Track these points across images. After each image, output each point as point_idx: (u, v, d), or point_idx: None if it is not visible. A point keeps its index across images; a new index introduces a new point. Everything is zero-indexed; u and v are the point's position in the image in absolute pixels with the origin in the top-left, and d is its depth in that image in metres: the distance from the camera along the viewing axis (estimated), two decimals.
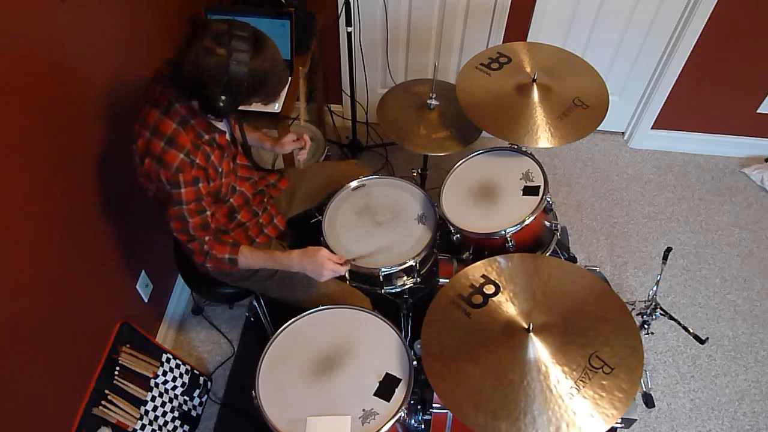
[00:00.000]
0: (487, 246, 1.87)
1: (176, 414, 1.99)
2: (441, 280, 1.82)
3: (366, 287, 1.86)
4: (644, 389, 2.24)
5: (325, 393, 1.50)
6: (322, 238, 1.87)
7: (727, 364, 2.34)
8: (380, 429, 1.43)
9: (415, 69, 2.89)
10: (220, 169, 1.59)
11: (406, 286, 1.87)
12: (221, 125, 1.61)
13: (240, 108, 1.53)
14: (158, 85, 1.51)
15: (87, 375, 1.74)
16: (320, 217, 1.93)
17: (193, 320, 2.41)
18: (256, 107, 2.08)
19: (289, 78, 1.53)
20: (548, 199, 1.88)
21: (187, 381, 2.06)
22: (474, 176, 1.98)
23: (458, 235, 1.87)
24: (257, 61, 1.38)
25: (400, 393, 1.50)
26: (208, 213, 1.58)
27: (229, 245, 1.63)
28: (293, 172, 2.06)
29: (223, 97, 1.38)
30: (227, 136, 1.64)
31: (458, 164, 2.02)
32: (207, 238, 1.60)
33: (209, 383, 2.21)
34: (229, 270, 1.66)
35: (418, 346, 1.50)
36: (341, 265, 1.64)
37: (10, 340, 1.43)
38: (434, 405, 1.59)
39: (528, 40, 2.69)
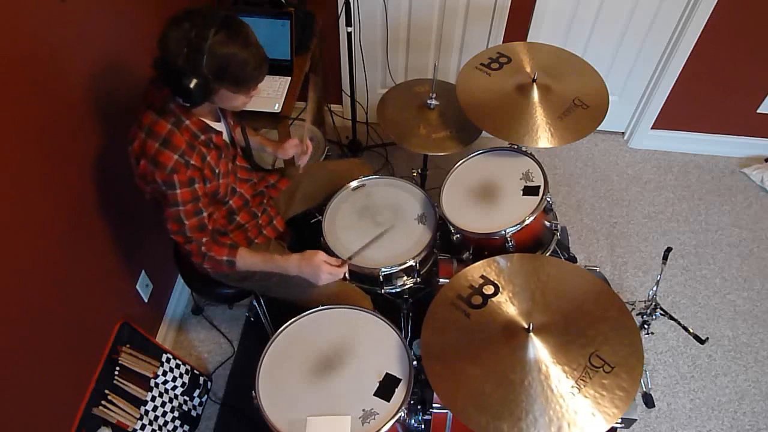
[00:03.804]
0: (487, 246, 1.87)
1: (176, 414, 1.99)
2: (441, 280, 1.82)
3: (366, 287, 1.85)
4: (644, 389, 2.24)
5: (325, 393, 1.50)
6: (322, 238, 1.87)
7: (727, 364, 2.34)
8: (380, 429, 1.42)
9: (415, 69, 2.89)
10: (217, 170, 1.58)
11: (406, 286, 1.87)
12: (218, 126, 1.60)
13: (236, 109, 1.53)
14: (154, 86, 1.50)
15: (87, 375, 1.74)
16: (320, 217, 1.93)
17: (193, 320, 2.41)
18: (255, 106, 2.09)
19: (266, 72, 1.47)
20: (548, 199, 1.88)
21: (187, 381, 2.06)
22: (474, 176, 1.98)
23: (458, 235, 1.87)
24: (221, 38, 1.33)
25: (400, 393, 1.49)
26: (205, 215, 1.57)
27: (227, 247, 1.63)
28: (293, 171, 2.06)
29: (193, 80, 1.34)
30: (225, 137, 1.64)
31: (458, 164, 2.02)
32: (204, 239, 1.60)
33: (209, 383, 2.21)
34: (228, 272, 1.66)
35: (418, 345, 1.50)
36: (339, 267, 1.64)
37: (10, 340, 1.43)
38: (434, 405, 1.59)
39: (528, 40, 2.69)
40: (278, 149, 1.93)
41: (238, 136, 1.80)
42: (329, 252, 1.82)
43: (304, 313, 1.67)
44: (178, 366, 2.05)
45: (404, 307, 2.02)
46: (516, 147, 2.03)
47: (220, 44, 1.34)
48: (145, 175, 1.47)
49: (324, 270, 1.62)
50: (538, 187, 1.88)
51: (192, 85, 1.35)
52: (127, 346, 1.89)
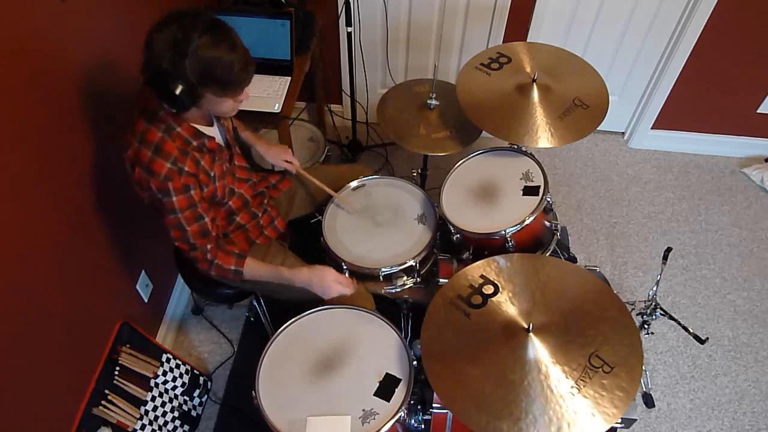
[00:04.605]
0: (487, 246, 1.87)
1: (176, 414, 1.99)
2: (441, 280, 1.82)
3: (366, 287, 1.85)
4: (644, 389, 2.24)
5: (325, 393, 1.50)
6: (322, 238, 1.87)
7: (727, 364, 2.34)
8: (380, 429, 1.42)
9: (415, 69, 2.89)
10: (212, 174, 1.58)
11: (406, 286, 1.87)
12: (210, 130, 1.58)
13: (224, 115, 1.52)
14: (147, 91, 1.49)
15: (87, 375, 1.74)
16: (320, 217, 1.93)
17: (193, 320, 2.41)
18: (255, 106, 2.09)
19: (252, 75, 1.45)
20: (548, 199, 1.88)
21: (187, 381, 2.06)
22: (474, 176, 1.98)
23: (458, 235, 1.87)
24: (206, 41, 1.31)
25: (400, 393, 1.49)
26: (207, 219, 1.57)
27: (234, 256, 1.63)
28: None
29: (179, 85, 1.33)
30: (219, 141, 1.62)
31: (458, 164, 2.02)
32: (209, 246, 1.59)
33: (209, 383, 2.21)
34: (233, 279, 1.67)
35: (418, 345, 1.50)
36: (348, 285, 1.67)
37: (10, 341, 1.43)
38: (434, 405, 1.59)
39: (528, 40, 2.69)
40: (267, 153, 1.93)
41: (233, 136, 1.79)
42: (330, 253, 1.82)
43: (304, 313, 1.67)
44: (178, 366, 2.05)
45: (404, 307, 2.02)
46: (516, 147, 2.03)
47: (205, 48, 1.32)
48: (141, 182, 1.47)
49: (334, 288, 1.64)
50: (538, 187, 1.88)
51: (177, 91, 1.33)
52: (127, 346, 1.89)
